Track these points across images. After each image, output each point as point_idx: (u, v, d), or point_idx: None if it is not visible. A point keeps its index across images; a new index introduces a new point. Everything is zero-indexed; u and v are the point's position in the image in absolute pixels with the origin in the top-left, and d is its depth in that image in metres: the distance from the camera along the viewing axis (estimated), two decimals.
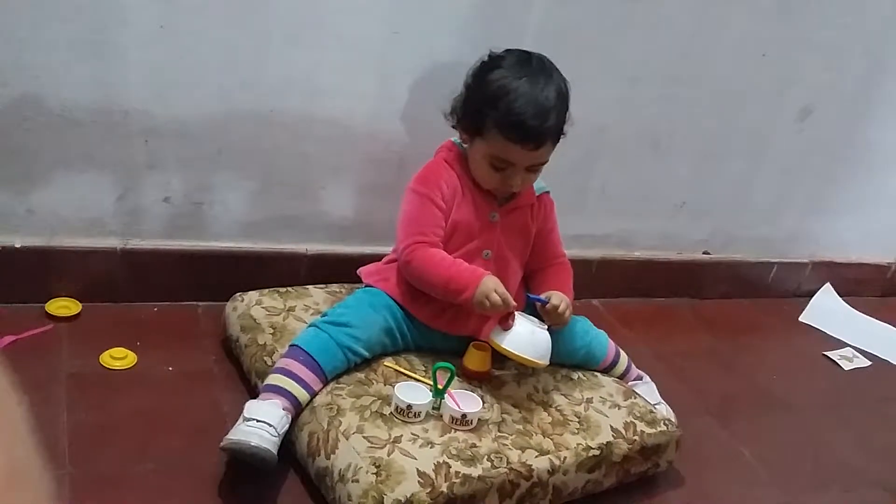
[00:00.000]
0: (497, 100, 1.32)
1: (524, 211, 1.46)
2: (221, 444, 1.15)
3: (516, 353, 1.31)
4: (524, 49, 1.39)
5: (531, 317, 1.37)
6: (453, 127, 1.43)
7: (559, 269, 1.52)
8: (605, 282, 2.03)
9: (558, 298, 1.38)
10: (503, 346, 1.32)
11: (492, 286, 1.31)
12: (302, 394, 1.24)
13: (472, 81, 1.39)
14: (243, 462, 1.17)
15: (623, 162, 1.93)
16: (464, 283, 1.32)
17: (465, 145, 1.42)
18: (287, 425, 1.21)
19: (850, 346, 2.12)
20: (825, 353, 2.07)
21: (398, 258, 1.40)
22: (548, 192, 1.52)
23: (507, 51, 1.39)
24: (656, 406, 1.50)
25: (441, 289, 1.35)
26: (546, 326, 1.36)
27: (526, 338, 1.32)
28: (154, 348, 1.44)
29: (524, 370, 1.44)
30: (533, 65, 1.35)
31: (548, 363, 1.36)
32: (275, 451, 1.16)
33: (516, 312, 1.34)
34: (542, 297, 1.38)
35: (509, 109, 1.31)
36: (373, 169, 1.65)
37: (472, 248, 1.41)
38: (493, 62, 1.37)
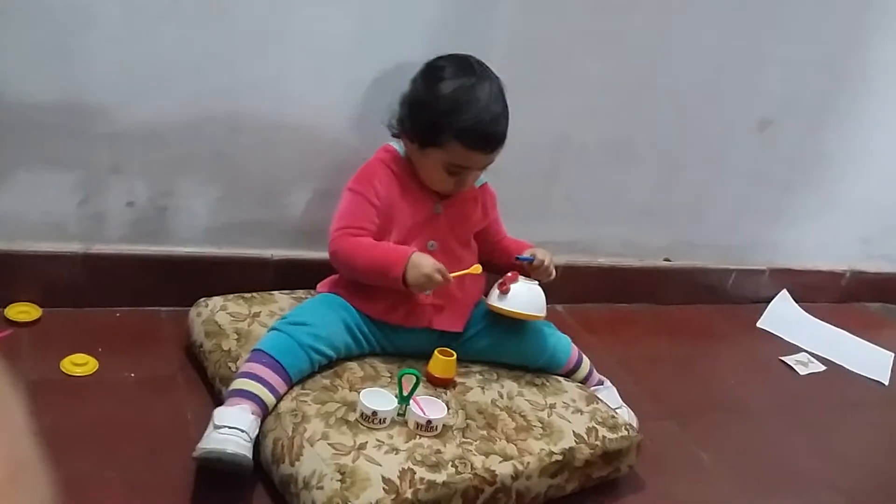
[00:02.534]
0: (453, 112, 1.36)
1: (468, 201, 1.51)
2: (195, 453, 1.14)
3: (520, 311, 1.43)
4: (459, 54, 1.44)
5: (523, 276, 1.47)
6: (394, 136, 1.47)
7: (512, 239, 1.63)
8: (568, 288, 2.04)
9: (542, 253, 1.50)
10: (507, 308, 1.42)
11: (426, 262, 1.33)
12: (268, 397, 1.24)
13: (420, 94, 1.42)
14: (217, 470, 1.16)
15: (587, 170, 1.96)
16: (392, 261, 1.35)
17: (405, 151, 1.47)
18: (257, 429, 1.20)
19: (805, 351, 2.17)
20: (781, 357, 2.12)
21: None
22: (487, 183, 1.58)
23: (443, 58, 1.43)
24: (618, 410, 1.53)
25: (370, 271, 1.37)
26: (535, 280, 1.47)
27: (526, 296, 1.44)
28: (116, 354, 1.43)
29: (489, 375, 1.46)
30: (475, 70, 1.40)
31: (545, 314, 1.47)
32: (250, 456, 1.16)
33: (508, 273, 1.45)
34: (527, 255, 1.50)
35: (469, 120, 1.36)
36: (339, 175, 1.63)
37: (418, 240, 1.44)
38: (436, 73, 1.41)
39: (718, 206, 2.21)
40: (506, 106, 1.42)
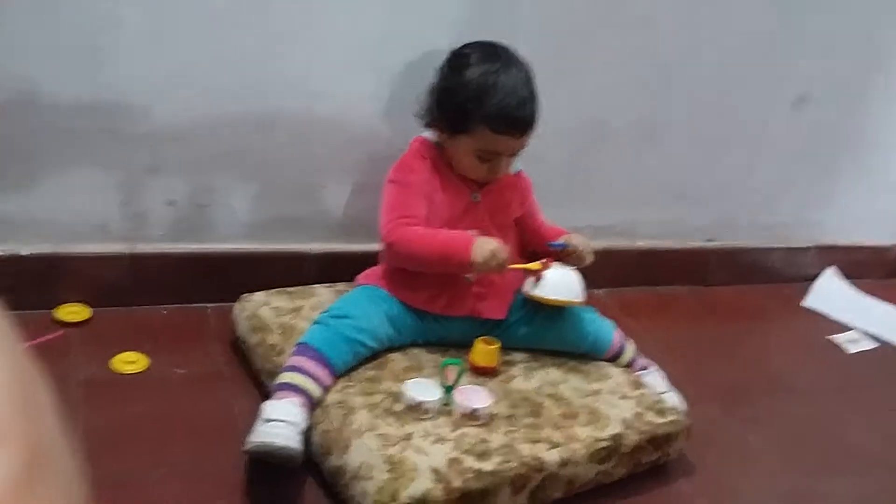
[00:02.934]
0: (481, 97, 1.37)
1: (506, 189, 1.51)
2: (245, 447, 1.16)
3: (555, 298, 1.42)
4: (485, 41, 1.44)
5: (557, 262, 1.45)
6: (426, 126, 1.47)
7: (551, 227, 1.60)
8: (607, 272, 2.02)
9: (576, 239, 1.49)
10: (541, 295, 1.41)
11: (489, 244, 1.34)
12: (315, 389, 1.25)
13: (446, 83, 1.43)
14: (268, 463, 1.18)
15: (622, 152, 1.93)
16: (458, 244, 1.35)
17: (438, 141, 1.47)
18: (306, 421, 1.22)
19: (854, 328, 2.13)
20: (829, 336, 2.08)
21: (382, 244, 1.43)
22: (521, 170, 1.57)
23: (469, 46, 1.44)
24: (665, 395, 1.52)
25: (434, 258, 1.36)
26: (572, 267, 1.46)
27: (560, 281, 1.42)
28: (164, 351, 1.45)
29: (532, 363, 1.46)
30: (501, 55, 1.41)
31: (585, 299, 1.46)
32: (300, 447, 1.17)
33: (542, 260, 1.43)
34: (560, 241, 1.49)
35: (496, 104, 1.36)
36: (374, 167, 1.64)
37: (458, 229, 1.43)
38: (461, 60, 1.42)
39: (760, 184, 2.17)
40: (534, 90, 1.41)
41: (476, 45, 1.43)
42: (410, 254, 1.38)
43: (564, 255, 1.48)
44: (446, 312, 1.44)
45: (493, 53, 1.41)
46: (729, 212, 2.17)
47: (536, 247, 1.57)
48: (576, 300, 1.44)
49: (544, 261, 1.44)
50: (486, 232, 1.46)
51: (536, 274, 1.42)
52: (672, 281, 2.15)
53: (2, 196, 1.43)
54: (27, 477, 0.28)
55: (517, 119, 1.38)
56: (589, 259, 1.50)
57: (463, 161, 1.43)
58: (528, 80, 1.41)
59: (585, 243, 1.49)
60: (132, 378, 1.38)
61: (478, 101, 1.37)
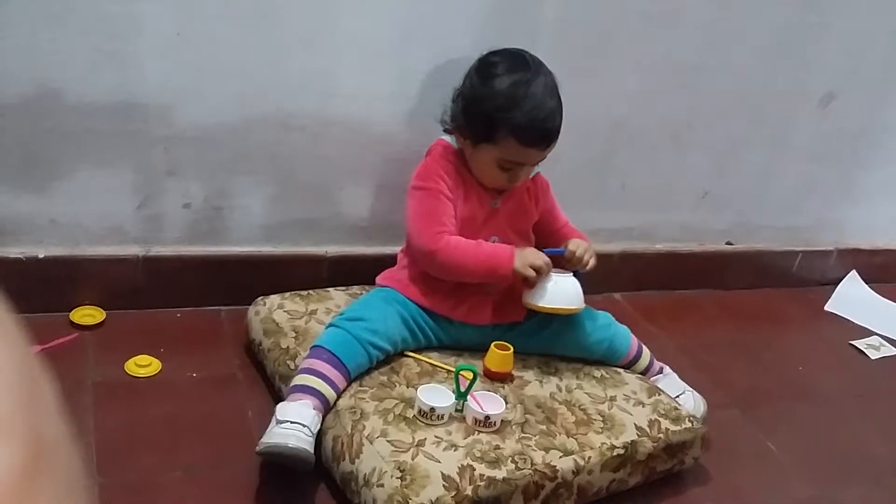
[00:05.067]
0: (509, 107, 1.35)
1: (522, 193, 1.50)
2: (257, 448, 1.16)
3: (552, 307, 1.38)
4: (512, 48, 1.42)
5: (556, 269, 1.41)
6: (446, 131, 1.46)
7: (570, 228, 1.59)
8: (626, 275, 2.02)
9: (574, 244, 1.45)
10: (536, 303, 1.38)
11: (531, 255, 1.38)
12: (329, 392, 1.25)
13: (474, 91, 1.40)
14: (280, 465, 1.18)
15: (643, 154, 1.91)
16: (503, 258, 1.38)
17: (459, 146, 1.46)
18: (319, 424, 1.21)
19: (877, 334, 2.09)
20: (852, 341, 2.04)
21: (418, 253, 1.42)
22: (540, 174, 1.55)
23: (496, 53, 1.41)
24: (682, 395, 1.50)
25: (482, 271, 1.39)
26: (569, 272, 1.42)
27: (554, 289, 1.38)
28: (178, 354, 1.46)
29: (547, 368, 1.44)
30: (529, 65, 1.38)
31: (584, 306, 1.43)
32: (312, 450, 1.17)
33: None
34: (560, 246, 1.46)
35: (525, 116, 1.34)
36: (391, 169, 1.64)
37: (480, 235, 1.43)
38: (490, 68, 1.39)
39: (781, 185, 2.14)
40: (560, 100, 1.40)
41: (504, 53, 1.41)
42: (455, 265, 1.38)
43: (564, 261, 1.45)
44: (467, 319, 1.43)
45: (521, 62, 1.39)
46: (750, 214, 2.15)
47: (545, 241, 1.54)
48: (573, 307, 1.40)
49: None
50: (505, 238, 1.46)
51: (532, 282, 1.38)
52: (692, 284, 2.12)
53: (19, 198, 1.44)
54: (30, 472, 0.28)
55: (546, 131, 1.37)
56: (590, 264, 1.46)
57: (484, 170, 1.42)
58: (554, 90, 1.39)
59: (586, 248, 1.46)
60: (146, 381, 1.39)
61: (507, 112, 1.35)
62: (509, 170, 1.40)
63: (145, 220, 1.53)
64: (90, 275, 1.51)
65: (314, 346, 1.31)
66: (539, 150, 1.39)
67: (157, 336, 1.49)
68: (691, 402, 1.51)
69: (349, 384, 1.29)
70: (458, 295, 1.42)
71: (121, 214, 1.51)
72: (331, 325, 1.35)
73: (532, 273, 1.36)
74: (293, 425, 1.17)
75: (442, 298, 1.42)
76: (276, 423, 1.18)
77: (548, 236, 1.56)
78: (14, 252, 1.46)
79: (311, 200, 1.64)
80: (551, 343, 1.47)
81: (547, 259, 1.38)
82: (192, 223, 1.57)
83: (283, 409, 1.20)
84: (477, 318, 1.44)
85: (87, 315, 1.50)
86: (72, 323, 1.48)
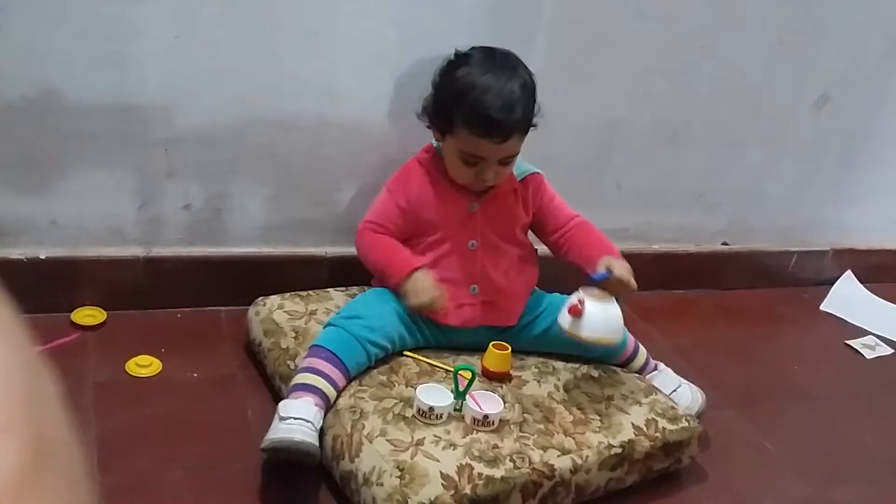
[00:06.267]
0: (463, 96, 1.34)
1: (506, 197, 1.47)
2: (263, 444, 1.17)
3: (596, 337, 1.31)
4: (490, 46, 1.41)
5: (591, 289, 1.34)
6: (427, 127, 1.46)
7: (582, 228, 1.51)
8: None
9: (619, 267, 1.35)
10: (582, 335, 1.31)
11: (424, 285, 1.36)
12: (329, 389, 1.26)
13: (439, 80, 1.42)
14: (282, 462, 1.19)
15: (639, 155, 1.92)
16: (395, 272, 1.39)
17: (439, 144, 1.46)
18: (321, 421, 1.22)
19: (872, 333, 2.11)
20: (847, 341, 2.05)
21: None
22: (535, 173, 1.51)
23: (473, 48, 1.41)
24: (678, 388, 1.52)
25: (376, 270, 1.46)
26: (612, 297, 1.34)
27: (601, 318, 1.31)
28: (179, 355, 1.46)
29: (545, 368, 1.46)
30: (497, 60, 1.38)
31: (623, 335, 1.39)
32: (317, 444, 1.18)
33: (578, 292, 1.33)
34: (602, 272, 1.34)
35: (475, 104, 1.33)
36: (389, 170, 1.64)
37: (457, 240, 1.43)
38: (458, 60, 1.40)
39: (777, 186, 2.16)
40: (528, 98, 1.37)
41: (479, 49, 1.41)
42: (363, 257, 1.48)
43: (608, 286, 1.34)
44: (455, 323, 1.44)
45: (490, 56, 1.38)
46: (745, 215, 2.16)
47: (567, 256, 1.51)
48: (615, 338, 1.35)
49: (580, 298, 1.32)
50: (486, 242, 1.44)
51: (574, 309, 1.30)
52: (688, 285, 2.14)
53: (20, 199, 1.45)
54: (32, 470, 0.28)
55: (495, 122, 1.32)
56: (633, 287, 1.36)
57: (451, 165, 1.41)
58: (521, 86, 1.35)
59: (628, 270, 1.36)
60: (146, 381, 1.40)
61: (458, 101, 1.35)
62: (474, 164, 1.37)
63: (146, 222, 1.54)
64: (91, 275, 1.52)
65: (313, 346, 1.32)
66: (493, 143, 1.34)
67: (157, 336, 1.50)
68: (688, 394, 1.52)
69: (349, 382, 1.30)
70: (447, 295, 1.41)
71: (121, 215, 1.52)
72: (328, 324, 1.37)
73: (414, 303, 1.35)
74: (297, 421, 1.18)
75: None
76: (280, 420, 1.19)
77: (552, 234, 1.53)
78: (15, 253, 1.47)
79: (311, 201, 1.65)
80: (548, 343, 1.48)
81: (428, 303, 1.34)
82: (192, 224, 1.58)
83: (286, 406, 1.21)
84: (465, 321, 1.44)
85: (88, 315, 1.51)
86: (73, 323, 1.49)
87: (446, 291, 1.40)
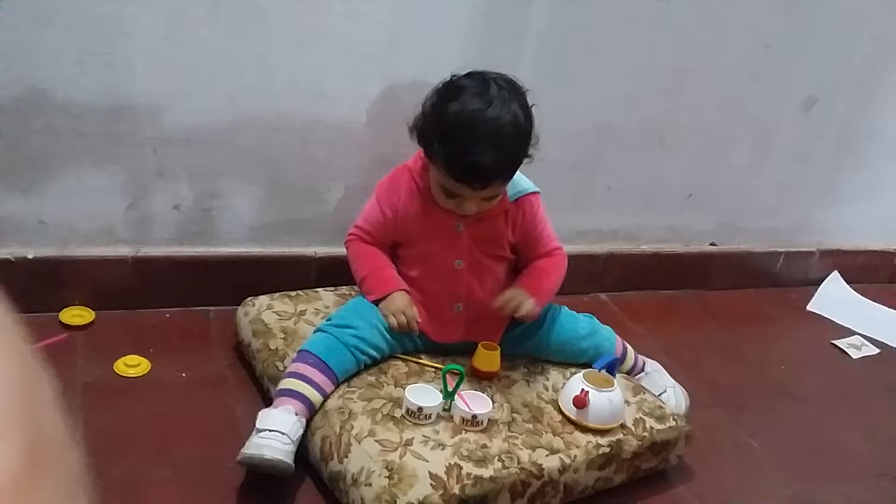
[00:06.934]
0: (445, 136, 1.28)
1: (495, 219, 1.41)
2: (238, 458, 1.16)
3: (601, 426, 1.32)
4: (489, 75, 1.31)
5: (593, 373, 1.35)
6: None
7: (539, 263, 1.47)
8: (612, 276, 2.04)
9: (504, 297, 1.37)
10: (589, 424, 1.31)
11: (399, 306, 1.38)
12: (315, 396, 1.26)
13: (429, 109, 1.33)
14: (261, 472, 1.19)
15: (628, 157, 1.94)
16: (373, 287, 1.42)
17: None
18: (301, 430, 1.22)
19: (858, 333, 2.13)
20: (833, 341, 2.07)
21: None
22: (531, 193, 1.44)
23: (469, 76, 1.32)
24: (664, 393, 1.52)
25: (358, 282, 1.46)
26: (613, 383, 1.34)
27: (606, 409, 1.32)
28: (167, 355, 1.46)
29: (533, 368, 1.46)
30: (492, 97, 1.27)
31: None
32: (289, 459, 1.17)
33: (580, 379, 1.33)
34: (603, 360, 1.38)
35: (457, 148, 1.26)
36: (378, 171, 1.64)
37: (443, 258, 1.41)
38: (450, 92, 1.31)
39: (765, 187, 2.17)
40: (516, 141, 1.29)
41: (477, 78, 1.31)
42: (350, 264, 1.48)
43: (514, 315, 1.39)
44: (438, 340, 1.44)
45: (483, 91, 1.28)
46: (734, 215, 2.17)
47: (524, 263, 1.49)
48: (619, 423, 1.34)
49: (584, 388, 1.31)
50: (473, 262, 1.42)
51: (579, 400, 1.31)
52: (677, 285, 2.15)
53: (9, 198, 1.44)
54: (29, 470, 0.28)
55: (474, 169, 1.26)
56: (521, 311, 1.37)
57: (434, 191, 1.36)
58: (512, 129, 1.27)
59: (517, 299, 1.37)
60: (135, 381, 1.39)
61: (442, 139, 1.28)
62: (454, 196, 1.33)
63: (135, 221, 1.54)
64: (79, 275, 1.52)
65: (301, 351, 1.32)
66: (470, 188, 1.29)
67: (146, 336, 1.50)
68: (673, 400, 1.53)
69: (336, 387, 1.30)
70: (431, 311, 1.42)
71: (110, 215, 1.52)
72: (319, 329, 1.36)
73: (392, 322, 1.37)
74: (272, 433, 1.17)
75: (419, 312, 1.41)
76: (256, 433, 1.18)
77: (522, 261, 1.49)
78: (3, 252, 1.46)
79: (300, 201, 1.65)
80: (537, 351, 1.48)
81: (403, 321, 1.36)
82: (181, 224, 1.57)
83: (263, 418, 1.20)
84: (449, 336, 1.44)
85: (77, 315, 1.51)
86: (61, 323, 1.49)
87: (423, 313, 1.41)
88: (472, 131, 1.26)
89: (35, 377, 0.32)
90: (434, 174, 1.34)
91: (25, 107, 1.38)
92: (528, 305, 1.37)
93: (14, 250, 1.47)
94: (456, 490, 1.14)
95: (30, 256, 1.48)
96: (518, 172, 1.38)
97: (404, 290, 1.41)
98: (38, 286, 1.49)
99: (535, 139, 1.33)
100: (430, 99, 1.34)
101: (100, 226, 1.52)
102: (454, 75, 1.34)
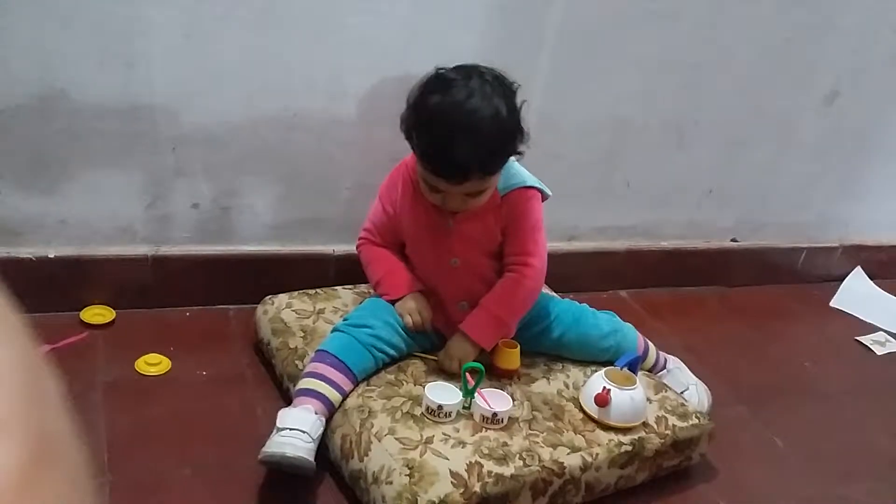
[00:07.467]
0: (422, 129, 1.25)
1: (486, 215, 1.35)
2: (259, 457, 1.17)
3: (623, 424, 1.31)
4: (478, 69, 1.27)
5: (615, 371, 1.34)
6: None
7: (499, 286, 1.38)
8: (632, 273, 2.02)
9: (446, 365, 1.36)
10: (611, 422, 1.30)
11: (414, 306, 1.38)
12: (334, 395, 1.26)
13: (412, 101, 1.29)
14: (282, 471, 1.19)
15: (648, 152, 1.92)
16: (388, 289, 1.41)
17: None
18: (321, 428, 1.22)
19: (882, 330, 2.10)
20: (857, 337, 2.05)
21: None
22: (524, 188, 1.36)
23: (456, 69, 1.28)
24: (686, 391, 1.51)
25: (374, 287, 1.45)
26: (635, 381, 1.33)
27: (629, 407, 1.31)
28: (187, 353, 1.47)
29: (554, 365, 1.45)
30: (471, 88, 1.23)
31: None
32: (311, 457, 1.17)
33: (602, 377, 1.33)
34: (626, 357, 1.37)
35: (433, 141, 1.23)
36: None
37: (438, 256, 1.39)
38: (433, 85, 1.27)
39: (786, 182, 2.15)
40: (496, 137, 1.23)
41: (461, 71, 1.27)
42: (364, 268, 1.48)
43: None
44: (444, 332, 1.43)
45: (465, 85, 1.23)
46: (755, 211, 2.15)
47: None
48: (641, 421, 1.33)
49: (606, 387, 1.30)
50: (468, 259, 1.39)
51: (601, 399, 1.30)
52: (697, 281, 2.13)
53: (29, 198, 1.45)
54: (32, 469, 0.28)
55: (447, 163, 1.23)
56: (466, 359, 1.34)
57: (421, 185, 1.32)
58: (492, 124, 1.22)
59: (450, 360, 1.36)
60: (156, 379, 1.40)
61: (420, 131, 1.25)
62: (440, 192, 1.28)
63: (154, 220, 1.54)
64: (100, 274, 1.52)
65: (319, 350, 1.32)
66: (447, 182, 1.25)
67: (166, 335, 1.50)
68: (695, 397, 1.52)
69: (355, 387, 1.30)
70: (439, 310, 1.42)
71: (130, 214, 1.53)
72: (336, 329, 1.36)
73: (408, 322, 1.37)
74: (292, 432, 1.17)
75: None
76: (276, 431, 1.19)
77: (504, 261, 1.42)
78: (24, 252, 1.47)
79: (318, 199, 1.65)
80: (558, 350, 1.47)
81: (418, 321, 1.37)
82: (200, 223, 1.58)
83: (283, 417, 1.20)
84: (453, 332, 1.41)
85: (98, 314, 1.51)
86: (82, 322, 1.49)
87: (432, 314, 1.40)
88: (449, 124, 1.22)
89: (40, 377, 0.32)
90: (418, 168, 1.31)
91: (45, 107, 1.38)
92: (469, 359, 1.33)
93: (35, 250, 1.48)
94: (477, 488, 1.13)
95: (51, 256, 1.49)
96: (520, 167, 1.37)
97: (420, 290, 1.41)
98: (59, 285, 1.50)
99: (524, 135, 1.28)
100: (413, 94, 1.29)
101: (120, 225, 1.53)
102: (440, 68, 1.30)
